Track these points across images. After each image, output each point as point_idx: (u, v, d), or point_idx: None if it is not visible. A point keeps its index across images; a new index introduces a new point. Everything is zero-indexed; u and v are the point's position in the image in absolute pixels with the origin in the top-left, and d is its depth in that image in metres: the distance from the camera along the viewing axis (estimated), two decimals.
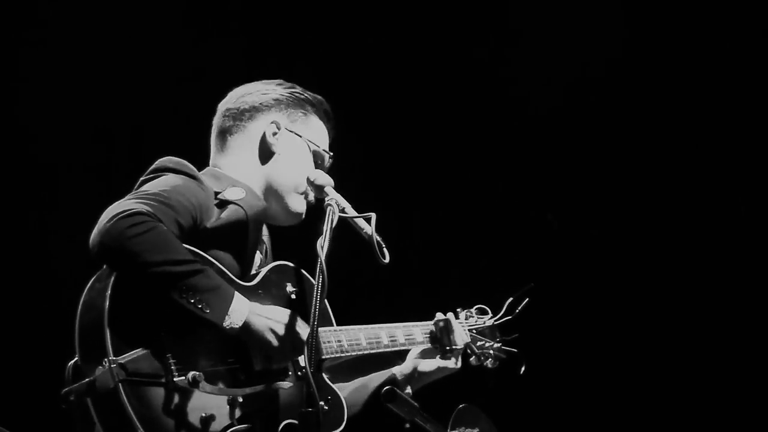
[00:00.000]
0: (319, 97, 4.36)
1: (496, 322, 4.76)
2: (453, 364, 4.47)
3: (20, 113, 6.15)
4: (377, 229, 3.93)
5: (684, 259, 6.75)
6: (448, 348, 4.47)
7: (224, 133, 4.26)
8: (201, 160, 4.23)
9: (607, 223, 6.82)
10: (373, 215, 3.95)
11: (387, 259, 3.92)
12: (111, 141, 6.32)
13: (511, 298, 4.72)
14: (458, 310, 4.70)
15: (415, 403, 3.95)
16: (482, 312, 4.77)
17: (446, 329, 4.48)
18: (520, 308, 4.72)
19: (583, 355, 6.67)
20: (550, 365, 6.21)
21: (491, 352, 4.72)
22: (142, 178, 4.03)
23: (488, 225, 6.76)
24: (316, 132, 4.30)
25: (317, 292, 3.68)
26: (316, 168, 4.24)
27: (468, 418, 4.01)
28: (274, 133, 4.22)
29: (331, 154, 4.32)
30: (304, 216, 4.27)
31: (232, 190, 4.05)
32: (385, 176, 6.10)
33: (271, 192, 4.20)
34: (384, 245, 3.93)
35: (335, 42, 6.64)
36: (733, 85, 6.65)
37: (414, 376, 4.43)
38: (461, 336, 4.52)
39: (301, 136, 4.25)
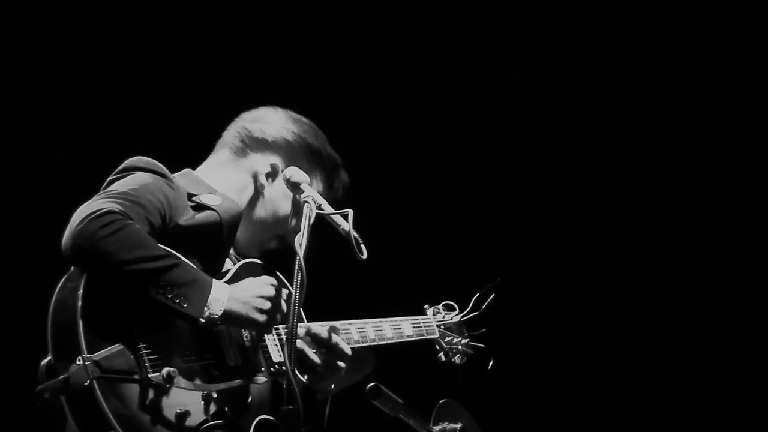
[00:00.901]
0: (336, 157, 4.32)
1: (463, 318, 4.78)
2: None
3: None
4: (354, 226, 3.94)
5: (650, 255, 6.85)
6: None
7: (229, 150, 4.26)
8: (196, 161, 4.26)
9: (573, 218, 6.88)
10: (350, 212, 3.96)
11: (365, 255, 3.93)
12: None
13: (477, 294, 4.75)
14: (425, 306, 4.73)
15: (400, 399, 3.96)
16: (449, 308, 4.79)
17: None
18: (486, 303, 4.75)
19: (552, 349, 6.73)
20: (519, 360, 6.26)
21: (459, 347, 4.73)
22: (109, 178, 4.02)
23: (456, 220, 6.81)
24: (311, 192, 4.15)
25: (296, 289, 3.69)
26: (295, 219, 4.21)
27: (450, 413, 4.03)
28: (269, 174, 4.21)
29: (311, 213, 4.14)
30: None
31: (209, 196, 4.05)
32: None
33: (243, 222, 4.16)
34: (361, 241, 3.94)
35: (310, 44, 6.68)
36: (697, 93, 6.79)
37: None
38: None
39: (295, 190, 4.16)
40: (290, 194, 4.18)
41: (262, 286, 3.86)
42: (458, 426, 3.96)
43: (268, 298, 3.84)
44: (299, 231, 3.94)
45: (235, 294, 3.80)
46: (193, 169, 4.25)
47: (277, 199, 4.21)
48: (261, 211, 4.21)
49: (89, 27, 6.27)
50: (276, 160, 4.21)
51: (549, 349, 6.74)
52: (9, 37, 6.15)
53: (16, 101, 6.17)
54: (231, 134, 4.29)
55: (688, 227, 6.85)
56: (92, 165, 5.78)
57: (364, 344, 4.31)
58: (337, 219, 4.00)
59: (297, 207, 4.18)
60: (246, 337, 3.93)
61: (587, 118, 6.87)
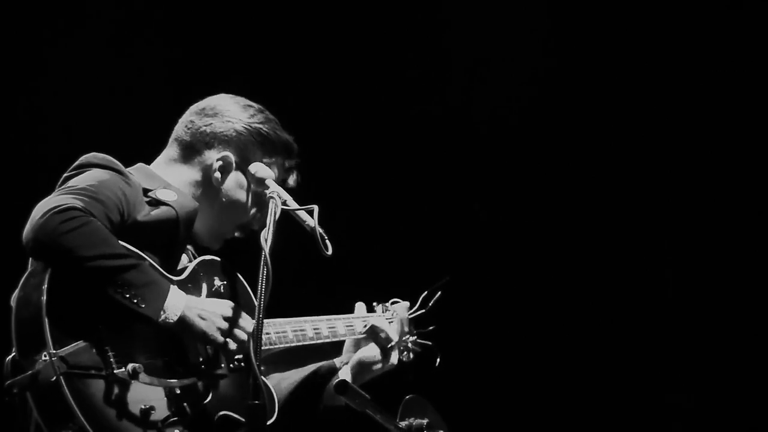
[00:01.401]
0: (288, 139, 4.31)
1: (410, 316, 4.81)
2: (393, 359, 4.51)
3: None
4: (319, 222, 3.98)
5: (610, 251, 6.96)
6: (389, 346, 4.51)
7: (180, 146, 4.25)
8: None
9: (527, 214, 6.99)
10: (316, 207, 4.00)
11: (330, 251, 3.98)
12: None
13: (425, 292, 4.80)
14: (374, 303, 4.74)
15: (367, 395, 4.01)
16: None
17: (373, 332, 4.52)
18: (433, 301, 4.81)
19: (499, 345, 6.82)
20: (467, 357, 6.35)
21: (408, 345, 4.79)
22: (65, 175, 4.02)
23: (409, 216, 6.89)
24: (268, 176, 4.21)
25: (261, 285, 3.72)
26: (258, 206, 4.25)
27: (416, 409, 4.09)
28: (222, 169, 4.21)
29: (273, 196, 4.15)
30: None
31: (165, 191, 4.06)
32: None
33: (204, 216, 4.18)
34: (326, 237, 3.98)
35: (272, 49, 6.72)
36: (667, 82, 6.87)
37: (357, 367, 4.46)
38: (394, 330, 4.56)
39: (251, 180, 4.21)
40: (245, 184, 4.20)
41: (221, 306, 3.91)
42: (424, 421, 4.01)
43: (224, 317, 3.89)
44: (262, 220, 4.05)
45: (192, 303, 3.85)
46: (148, 163, 4.24)
47: (232, 191, 4.22)
48: (217, 205, 4.21)
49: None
50: (227, 152, 4.20)
51: (500, 345, 6.83)
52: None
53: None
54: (181, 128, 4.27)
55: (645, 215, 6.97)
56: (48, 161, 5.80)
57: (302, 343, 4.37)
58: (303, 215, 4.04)
59: (258, 198, 4.21)
60: None
61: (549, 112, 6.97)
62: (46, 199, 3.78)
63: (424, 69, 6.96)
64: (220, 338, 3.89)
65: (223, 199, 4.22)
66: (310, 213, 4.01)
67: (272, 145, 4.26)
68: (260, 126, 4.26)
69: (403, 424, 4.00)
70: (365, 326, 4.53)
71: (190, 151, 4.23)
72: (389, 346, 4.50)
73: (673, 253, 6.93)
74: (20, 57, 6.25)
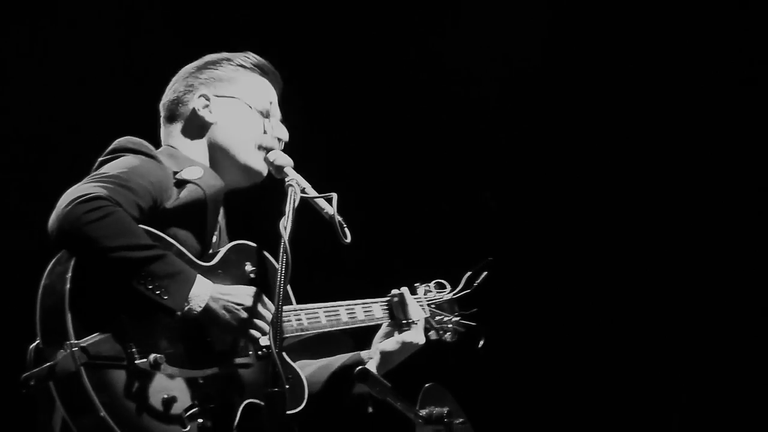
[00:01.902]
0: (247, 54, 4.35)
1: (454, 296, 4.77)
2: (415, 338, 4.44)
3: None
4: (338, 209, 3.95)
5: (645, 237, 6.85)
6: (404, 321, 4.48)
7: (168, 120, 4.29)
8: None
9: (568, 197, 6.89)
10: (335, 195, 3.98)
11: (348, 239, 3.95)
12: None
13: (469, 272, 4.74)
14: (416, 285, 4.70)
15: (387, 383, 3.99)
16: (441, 286, 4.78)
17: (401, 303, 4.49)
18: (478, 282, 4.75)
19: (544, 330, 6.75)
20: (509, 339, 6.28)
21: (450, 326, 4.74)
22: (100, 159, 4.03)
23: (443, 200, 6.82)
24: (250, 87, 4.30)
25: (281, 273, 3.68)
26: (266, 119, 4.27)
27: (436, 397, 4.05)
28: (205, 106, 4.23)
29: (270, 101, 4.31)
30: (265, 173, 4.26)
31: (190, 169, 4.05)
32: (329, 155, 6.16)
33: (224, 158, 4.21)
34: (345, 225, 3.95)
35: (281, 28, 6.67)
36: (671, 70, 6.75)
37: (380, 357, 4.41)
38: (416, 310, 4.51)
39: (234, 97, 4.25)
40: (234, 102, 4.24)
41: (247, 294, 3.89)
42: (445, 410, 3.97)
43: (247, 308, 3.86)
44: (278, 132, 4.19)
45: (218, 292, 3.83)
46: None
47: (227, 112, 4.24)
48: (224, 131, 4.23)
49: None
50: (200, 92, 4.24)
51: (540, 330, 6.76)
52: None
53: None
54: (164, 112, 4.31)
55: (676, 211, 6.85)
56: (69, 146, 5.85)
57: (335, 328, 4.34)
58: (321, 203, 4.01)
59: (263, 114, 4.26)
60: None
61: (559, 95, 6.88)
62: (74, 187, 3.77)
63: (431, 57, 6.88)
64: (245, 328, 3.87)
65: (224, 126, 4.22)
66: (329, 201, 3.98)
67: (229, 61, 4.31)
68: (211, 58, 4.32)
69: (423, 412, 3.96)
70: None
71: (174, 119, 4.26)
72: (404, 322, 4.45)
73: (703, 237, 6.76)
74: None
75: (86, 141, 4.25)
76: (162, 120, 4.32)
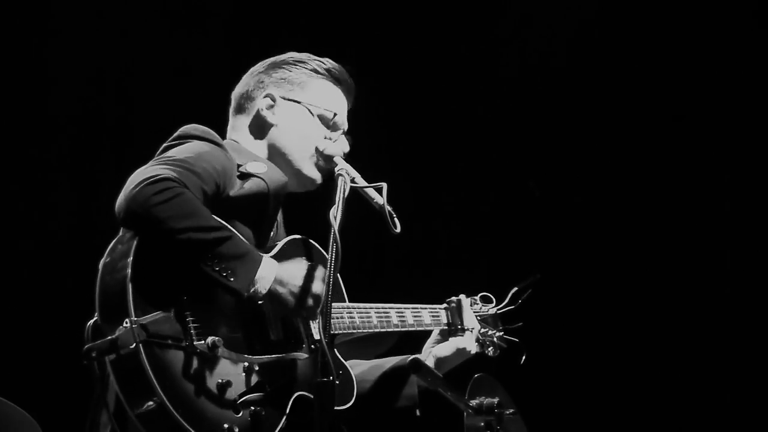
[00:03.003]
0: (324, 60, 4.35)
1: (499, 311, 4.79)
2: (468, 345, 4.48)
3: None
4: (388, 200, 3.96)
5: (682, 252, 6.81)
6: (460, 327, 4.50)
7: (236, 111, 4.32)
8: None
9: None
10: (384, 185, 3.98)
11: (398, 229, 3.96)
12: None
13: (515, 288, 4.75)
14: (462, 296, 4.69)
15: (439, 374, 3.98)
16: (486, 300, 4.80)
17: (458, 309, 4.52)
18: (523, 298, 4.76)
19: (586, 346, 6.74)
20: (552, 356, 6.27)
21: (494, 340, 4.74)
22: (165, 145, 4.04)
23: (493, 210, 6.84)
24: (318, 94, 4.29)
25: (331, 261, 3.69)
26: (329, 130, 4.26)
27: (486, 387, 4.05)
28: (270, 107, 4.25)
29: (336, 112, 4.29)
30: (319, 181, 4.27)
31: (254, 164, 4.07)
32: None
33: (281, 161, 4.21)
34: (395, 215, 3.96)
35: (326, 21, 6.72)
36: (716, 59, 6.74)
37: (434, 361, 4.42)
38: (471, 318, 4.55)
39: (299, 102, 4.25)
40: (299, 109, 4.24)
41: (310, 278, 3.86)
42: (495, 400, 3.97)
43: (311, 291, 3.84)
44: (339, 144, 4.16)
45: (282, 276, 3.82)
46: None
47: (289, 117, 4.24)
48: (284, 136, 4.24)
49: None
50: (268, 91, 4.26)
51: (582, 347, 6.75)
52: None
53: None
54: (233, 103, 4.34)
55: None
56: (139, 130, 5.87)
57: (386, 330, 4.34)
58: (371, 192, 4.02)
59: (324, 120, 4.25)
60: None
61: (596, 89, 6.87)
62: (142, 168, 3.78)
63: (477, 49, 6.91)
64: (304, 314, 3.87)
65: (284, 131, 4.23)
66: (379, 191, 3.99)
67: (308, 65, 4.31)
68: (290, 57, 4.33)
69: (473, 402, 3.96)
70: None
71: (241, 112, 4.29)
72: (460, 328, 4.48)
73: None
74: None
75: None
76: (231, 109, 4.35)
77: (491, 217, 6.84)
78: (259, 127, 4.26)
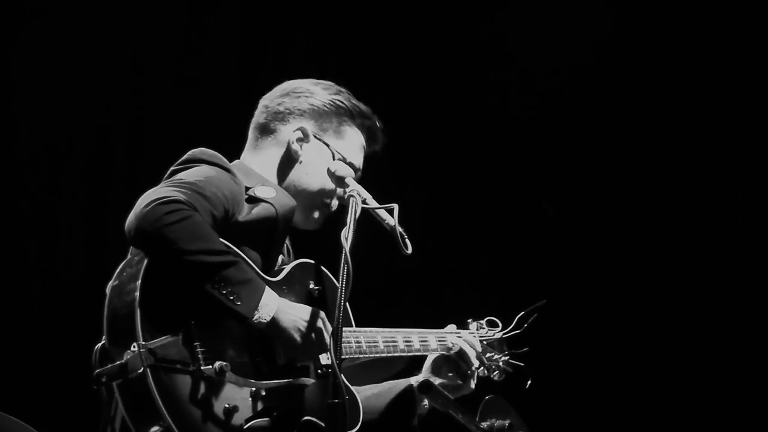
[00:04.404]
0: (366, 109, 4.33)
1: (505, 335, 4.78)
2: (470, 386, 4.47)
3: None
4: (399, 221, 3.94)
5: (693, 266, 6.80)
6: (469, 372, 4.48)
7: (258, 131, 4.28)
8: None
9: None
10: (396, 206, 3.96)
11: (410, 250, 3.93)
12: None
13: (522, 313, 4.74)
14: (469, 321, 4.71)
15: (450, 395, 3.98)
16: (492, 324, 4.78)
17: (460, 356, 4.48)
18: (528, 323, 4.75)
19: (592, 370, 6.73)
20: (557, 380, 6.26)
21: (500, 364, 4.73)
22: (172, 168, 4.05)
23: (498, 226, 6.85)
24: (348, 144, 4.28)
25: (342, 282, 3.70)
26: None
27: (497, 409, 4.04)
28: (299, 140, 4.22)
29: (359, 168, 4.29)
30: (318, 227, 4.28)
31: (263, 188, 4.07)
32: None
33: (293, 193, 4.19)
34: (406, 236, 3.94)
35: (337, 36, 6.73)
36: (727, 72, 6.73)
37: None
38: (473, 356, 4.50)
39: (328, 146, 4.24)
40: (326, 152, 4.21)
41: (310, 313, 3.88)
42: (506, 422, 3.97)
43: (311, 326, 3.85)
44: (346, 170, 4.12)
45: (284, 306, 3.83)
46: (230, 159, 4.23)
47: (313, 161, 4.22)
48: (303, 179, 4.22)
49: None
50: (303, 123, 4.22)
51: (588, 371, 6.74)
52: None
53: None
54: (256, 117, 4.31)
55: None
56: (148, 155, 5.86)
57: (392, 354, 4.33)
58: (382, 213, 4.00)
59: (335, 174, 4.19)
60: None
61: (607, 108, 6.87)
62: (152, 189, 3.79)
63: (486, 65, 6.93)
64: (307, 345, 3.87)
65: (307, 172, 4.22)
66: (390, 212, 3.97)
67: (346, 111, 4.28)
68: (334, 96, 4.28)
69: (484, 424, 3.96)
70: (453, 345, 4.49)
71: (266, 132, 4.26)
72: (469, 372, 4.47)
73: None
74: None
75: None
76: (253, 124, 4.31)
77: (502, 239, 6.85)
78: (284, 157, 4.23)
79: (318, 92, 4.29)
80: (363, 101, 4.35)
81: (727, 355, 6.70)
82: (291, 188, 4.19)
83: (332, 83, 4.35)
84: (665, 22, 6.76)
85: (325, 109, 4.26)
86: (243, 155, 4.29)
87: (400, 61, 6.80)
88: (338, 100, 4.28)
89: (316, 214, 4.26)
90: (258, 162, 4.23)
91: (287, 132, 4.23)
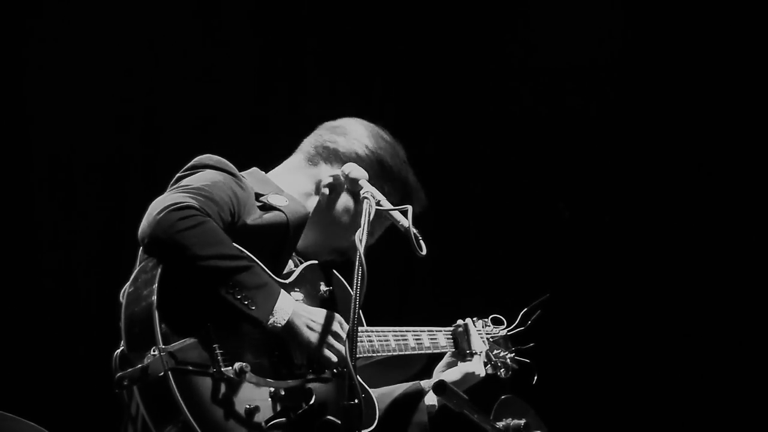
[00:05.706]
0: (411, 179, 4.31)
1: (510, 333, 4.82)
2: (477, 369, 4.48)
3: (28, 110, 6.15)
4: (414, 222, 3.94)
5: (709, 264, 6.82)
6: (468, 352, 4.53)
7: (302, 153, 4.29)
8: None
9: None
10: (410, 208, 3.96)
11: (424, 252, 3.93)
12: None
13: (525, 309, 4.78)
14: (474, 318, 4.72)
15: (464, 395, 4.01)
16: (497, 322, 4.82)
17: (465, 333, 4.54)
18: (532, 319, 4.79)
19: (596, 363, 6.77)
20: (563, 375, 6.30)
21: (506, 361, 4.77)
22: (178, 174, 4.06)
23: (507, 225, 6.88)
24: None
25: (357, 284, 3.71)
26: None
27: (514, 409, 4.06)
28: (329, 186, 4.20)
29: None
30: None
31: (276, 196, 4.08)
32: None
33: (308, 227, 4.15)
34: (421, 237, 3.93)
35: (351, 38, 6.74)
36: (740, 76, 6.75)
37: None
38: (478, 341, 4.56)
39: (362, 205, 4.09)
40: (352, 209, 4.20)
41: (326, 317, 3.90)
42: (522, 422, 3.98)
43: (326, 329, 3.88)
44: (359, 172, 4.11)
45: (300, 310, 3.85)
46: (266, 170, 4.27)
47: (337, 213, 4.22)
48: (322, 221, 4.21)
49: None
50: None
51: (590, 362, 6.78)
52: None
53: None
54: (308, 142, 4.31)
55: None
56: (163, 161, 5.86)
57: (403, 352, 4.36)
58: (396, 215, 4.01)
59: (356, 218, 4.13)
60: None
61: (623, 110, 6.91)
62: (162, 196, 3.81)
63: (502, 66, 6.95)
64: (322, 348, 3.89)
65: (327, 219, 4.22)
66: (404, 213, 3.97)
67: (391, 178, 4.26)
68: (384, 155, 4.26)
69: (500, 424, 3.97)
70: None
71: (310, 163, 4.26)
72: (468, 353, 4.50)
73: None
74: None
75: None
76: (303, 148, 4.31)
77: (506, 239, 6.88)
78: (312, 195, 4.23)
79: (372, 145, 4.25)
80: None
81: (736, 351, 6.75)
82: (311, 222, 4.15)
83: (396, 142, 4.32)
84: (693, 26, 6.80)
85: (372, 167, 4.20)
86: (277, 168, 4.30)
87: (417, 61, 6.79)
88: (389, 164, 4.24)
89: (322, 253, 4.26)
90: (287, 181, 4.22)
91: (325, 172, 4.21)
